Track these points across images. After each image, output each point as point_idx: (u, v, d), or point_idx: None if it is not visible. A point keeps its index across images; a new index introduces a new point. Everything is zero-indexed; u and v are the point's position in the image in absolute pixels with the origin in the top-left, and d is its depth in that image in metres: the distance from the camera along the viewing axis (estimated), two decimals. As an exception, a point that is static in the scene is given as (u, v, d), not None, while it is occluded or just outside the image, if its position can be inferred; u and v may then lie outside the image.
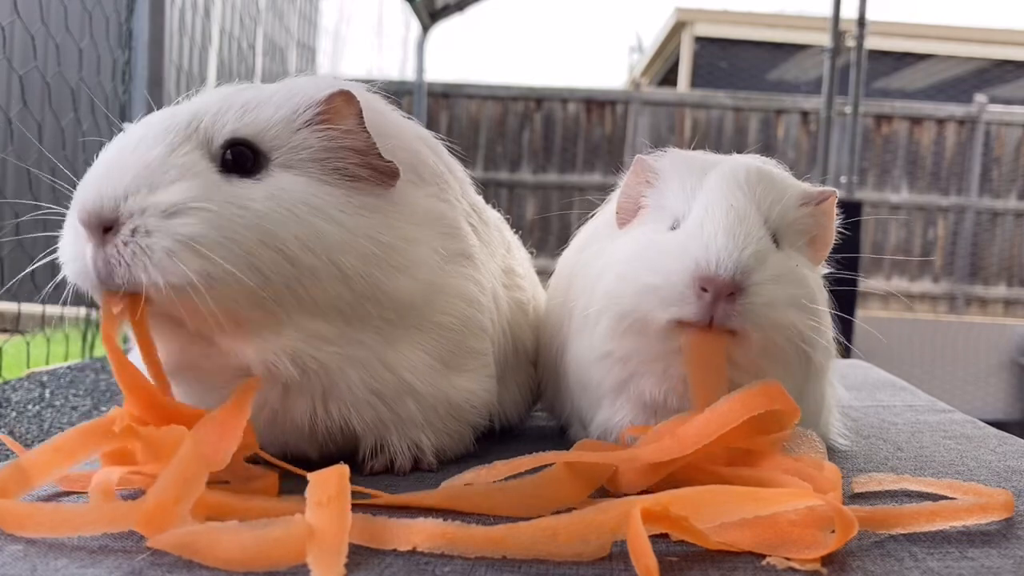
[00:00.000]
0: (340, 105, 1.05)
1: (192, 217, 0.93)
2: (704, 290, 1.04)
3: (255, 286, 0.95)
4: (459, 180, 1.28)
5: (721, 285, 1.04)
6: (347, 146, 1.05)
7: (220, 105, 1.03)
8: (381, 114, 1.15)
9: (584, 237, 1.42)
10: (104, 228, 0.93)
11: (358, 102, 1.06)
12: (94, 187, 0.95)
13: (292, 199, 0.99)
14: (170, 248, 0.92)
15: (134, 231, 0.92)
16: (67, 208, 1.01)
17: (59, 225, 1.02)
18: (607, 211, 1.35)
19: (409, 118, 1.23)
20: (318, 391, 1.05)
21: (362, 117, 1.06)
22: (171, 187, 0.95)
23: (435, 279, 1.12)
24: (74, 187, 1.00)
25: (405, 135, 1.17)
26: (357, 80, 1.16)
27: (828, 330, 1.20)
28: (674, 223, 1.16)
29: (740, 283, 1.05)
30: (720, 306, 1.04)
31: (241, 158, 1.01)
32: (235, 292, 0.94)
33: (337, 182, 1.04)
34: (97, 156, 1.01)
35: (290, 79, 1.12)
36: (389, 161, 1.07)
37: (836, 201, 1.26)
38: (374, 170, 1.07)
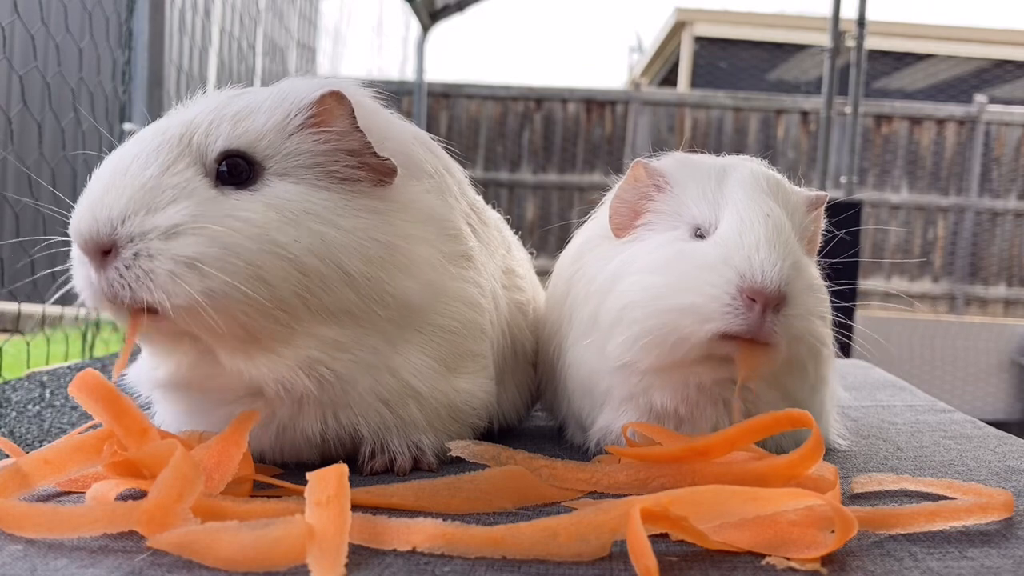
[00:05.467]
0: (332, 106, 1.05)
1: (192, 237, 0.94)
2: (752, 301, 1.03)
3: (262, 297, 0.95)
4: (457, 180, 1.28)
5: (770, 297, 1.03)
6: (341, 148, 1.05)
7: (212, 117, 1.03)
8: (375, 114, 1.14)
9: (582, 240, 1.40)
10: (103, 252, 0.94)
11: (349, 101, 1.05)
12: (89, 212, 0.95)
13: (290, 207, 0.99)
14: (172, 270, 0.93)
15: (136, 255, 0.93)
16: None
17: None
18: (602, 215, 1.34)
19: (405, 119, 1.22)
20: (329, 402, 1.05)
21: (354, 116, 1.05)
22: (169, 208, 0.95)
23: (436, 279, 1.12)
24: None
25: (399, 136, 1.16)
26: (351, 79, 1.16)
27: (831, 333, 1.21)
28: (697, 231, 1.14)
29: (785, 294, 1.04)
30: (767, 317, 1.04)
31: (236, 170, 1.01)
32: (242, 305, 0.95)
33: (334, 185, 1.04)
34: (91, 175, 1.01)
35: (283, 82, 1.11)
36: (385, 158, 1.07)
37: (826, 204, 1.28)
38: (371, 169, 1.07)
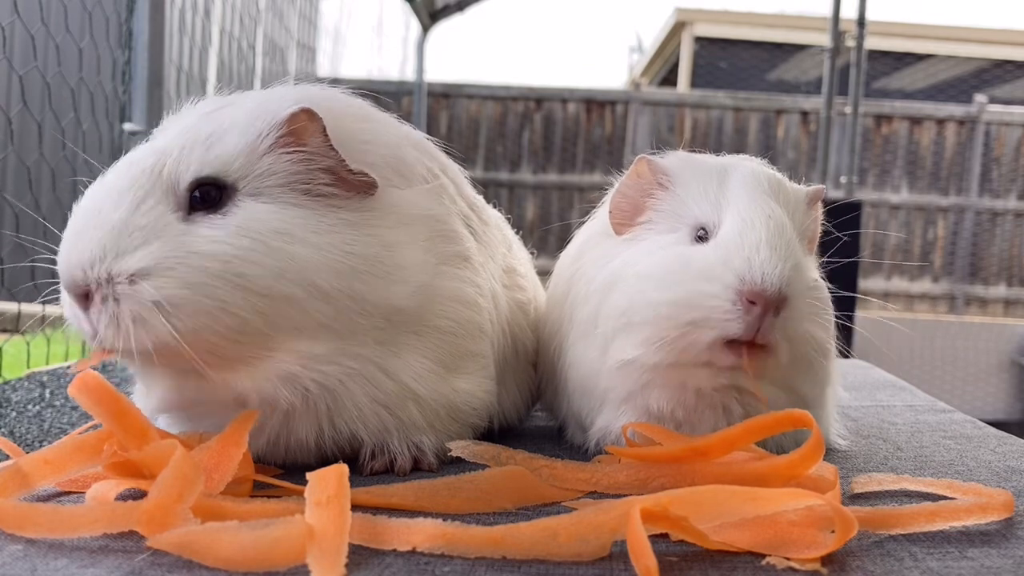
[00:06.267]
0: (304, 123, 1.03)
1: (159, 279, 0.94)
2: (752, 303, 1.03)
3: (228, 329, 0.96)
4: (454, 181, 1.27)
5: (770, 300, 1.03)
6: (315, 166, 1.04)
7: (183, 141, 1.02)
8: (360, 120, 1.13)
9: (582, 239, 1.40)
10: (83, 295, 0.96)
11: (320, 119, 1.03)
12: (66, 255, 0.97)
13: (261, 229, 0.99)
14: (137, 314, 0.94)
15: (104, 299, 0.94)
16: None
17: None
18: (603, 214, 1.33)
19: (400, 121, 1.21)
20: (323, 411, 1.06)
21: (327, 134, 1.03)
22: (137, 252, 0.95)
23: (428, 281, 1.11)
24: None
25: (388, 140, 1.15)
26: (335, 90, 1.15)
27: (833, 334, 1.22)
28: (699, 231, 1.14)
29: (785, 296, 1.04)
30: (767, 319, 1.04)
31: (207, 196, 1.00)
32: (211, 336, 0.96)
33: (308, 202, 1.03)
34: (77, 201, 1.02)
35: (258, 94, 1.10)
36: (363, 175, 1.05)
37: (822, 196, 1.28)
38: (348, 185, 1.05)
